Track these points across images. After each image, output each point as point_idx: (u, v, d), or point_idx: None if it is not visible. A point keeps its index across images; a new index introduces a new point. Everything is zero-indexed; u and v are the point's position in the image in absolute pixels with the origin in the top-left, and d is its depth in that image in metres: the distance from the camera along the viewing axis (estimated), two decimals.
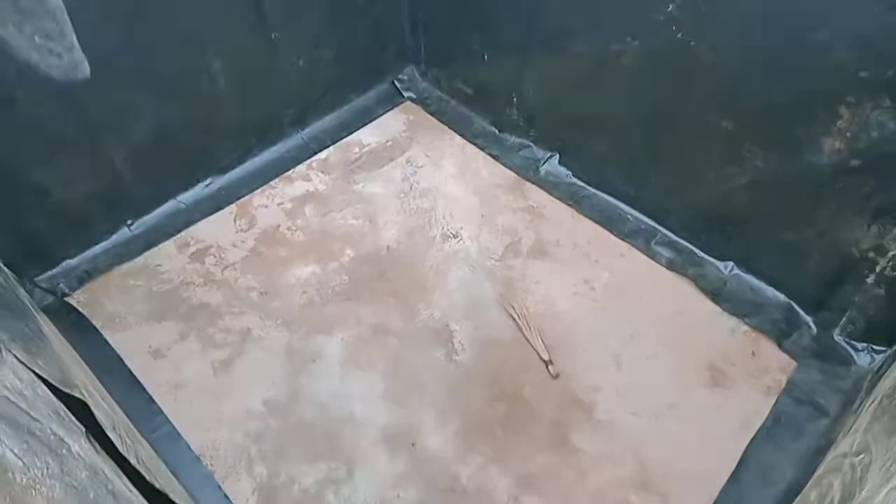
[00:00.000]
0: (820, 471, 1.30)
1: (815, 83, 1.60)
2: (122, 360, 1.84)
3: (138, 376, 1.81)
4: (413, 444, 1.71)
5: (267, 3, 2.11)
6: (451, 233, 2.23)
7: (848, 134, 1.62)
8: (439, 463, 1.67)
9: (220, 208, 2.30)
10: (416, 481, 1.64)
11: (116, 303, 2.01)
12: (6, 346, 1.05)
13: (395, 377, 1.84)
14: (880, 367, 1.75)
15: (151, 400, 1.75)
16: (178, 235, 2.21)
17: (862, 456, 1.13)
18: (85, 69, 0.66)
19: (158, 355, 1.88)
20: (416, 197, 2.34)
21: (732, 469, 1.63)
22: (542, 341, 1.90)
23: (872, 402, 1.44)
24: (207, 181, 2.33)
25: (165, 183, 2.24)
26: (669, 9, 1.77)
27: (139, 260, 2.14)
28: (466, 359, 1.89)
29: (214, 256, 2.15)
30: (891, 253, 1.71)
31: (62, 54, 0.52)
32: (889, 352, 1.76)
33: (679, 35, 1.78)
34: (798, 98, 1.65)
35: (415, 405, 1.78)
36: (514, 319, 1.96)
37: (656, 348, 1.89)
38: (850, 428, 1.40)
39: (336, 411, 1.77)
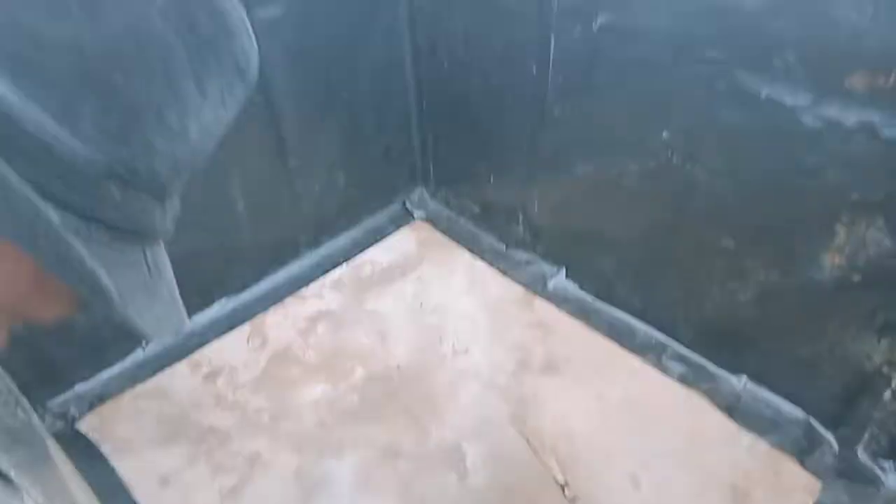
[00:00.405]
0: None
1: (809, 203, 1.67)
2: (127, 488, 1.81)
3: None
4: None
5: (287, 134, 2.26)
6: (461, 349, 2.24)
7: (846, 251, 1.67)
8: None
9: (233, 328, 2.33)
10: None
11: (126, 427, 2.00)
12: (18, 477, 1.05)
13: (406, 500, 1.79)
14: None
15: None
16: (192, 356, 2.23)
17: None
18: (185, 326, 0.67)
19: (165, 483, 1.85)
20: (427, 313, 2.38)
21: None
22: (557, 461, 1.86)
23: None
24: (223, 301, 2.39)
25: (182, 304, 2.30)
26: (664, 135, 1.88)
27: (151, 382, 2.15)
28: (479, 481, 1.84)
29: (226, 377, 2.16)
30: None
31: (174, 329, 0.56)
32: None
33: (674, 159, 1.89)
34: (794, 217, 1.72)
35: None
36: (528, 441, 1.93)
37: (674, 468, 1.84)
38: None
39: None
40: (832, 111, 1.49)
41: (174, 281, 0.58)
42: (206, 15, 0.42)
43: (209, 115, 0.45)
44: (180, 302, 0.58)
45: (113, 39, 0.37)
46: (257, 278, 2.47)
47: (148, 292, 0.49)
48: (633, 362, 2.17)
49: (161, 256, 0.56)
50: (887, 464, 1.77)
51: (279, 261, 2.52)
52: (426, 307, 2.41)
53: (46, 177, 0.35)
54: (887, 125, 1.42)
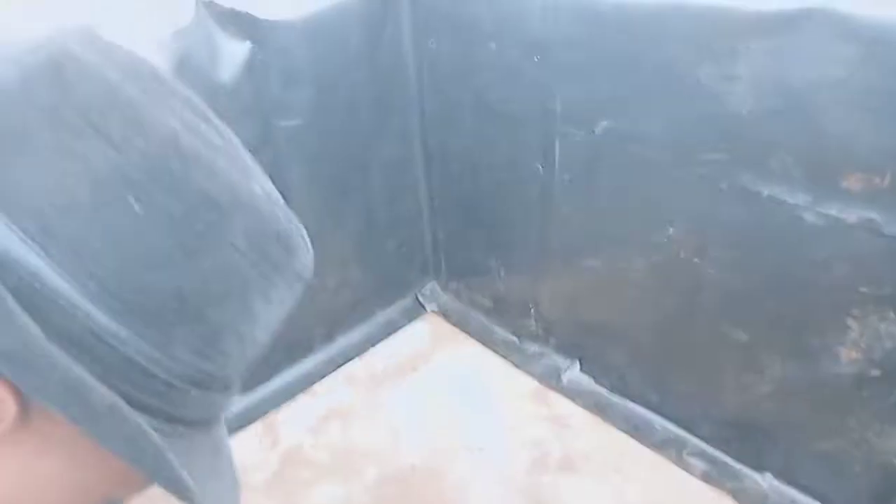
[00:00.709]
0: None
1: (819, 297, 1.68)
2: None
3: None
4: None
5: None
6: (475, 446, 2.20)
7: (862, 344, 1.66)
8: None
9: (244, 427, 2.31)
10: None
11: None
12: None
13: None
14: None
15: None
16: None
17: None
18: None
19: None
20: (440, 409, 2.36)
21: None
22: None
23: None
24: (234, 400, 2.38)
25: None
26: (670, 231, 1.93)
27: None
28: None
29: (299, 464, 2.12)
30: None
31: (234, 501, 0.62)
32: None
33: (681, 254, 1.92)
34: (805, 311, 1.73)
35: None
36: None
37: None
38: None
39: None
40: (832, 210, 1.53)
41: (232, 455, 0.65)
42: (275, 243, 0.50)
43: (274, 318, 0.55)
44: (238, 473, 0.65)
45: (203, 280, 0.44)
46: (270, 376, 2.47)
47: (214, 472, 0.56)
48: (653, 458, 2.12)
49: (223, 434, 0.64)
50: None
51: (292, 357, 2.53)
52: (439, 402, 2.39)
53: (142, 391, 0.42)
54: (887, 223, 1.46)
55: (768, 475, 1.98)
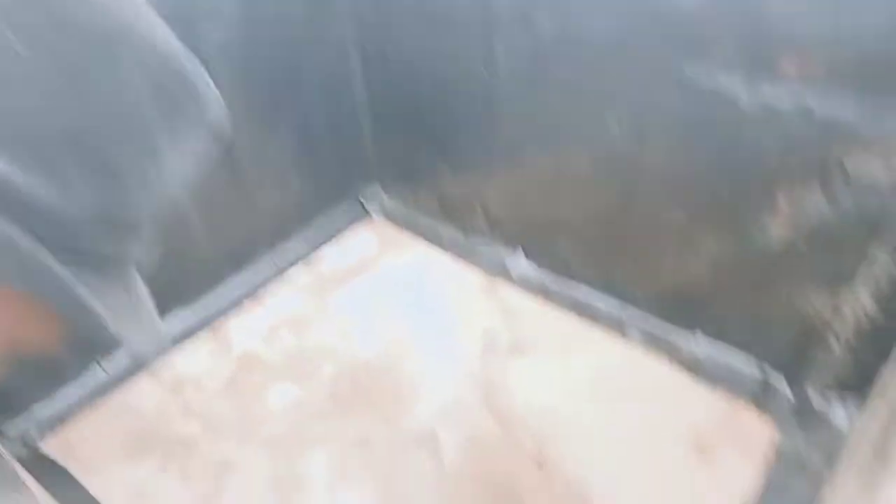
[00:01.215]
0: None
1: (752, 177, 1.76)
2: (97, 502, 1.76)
3: None
4: None
5: (238, 144, 2.26)
6: (427, 338, 2.26)
7: (790, 219, 1.77)
8: None
9: (194, 335, 2.29)
10: None
11: (92, 445, 1.94)
12: None
13: (386, 491, 1.80)
14: (855, 421, 1.80)
15: None
16: (154, 369, 2.18)
17: None
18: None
19: (139, 496, 1.81)
20: (390, 307, 2.39)
21: None
22: (530, 438, 1.90)
23: (849, 456, 1.48)
24: (178, 310, 2.35)
25: None
26: (612, 125, 1.95)
27: (113, 398, 2.09)
28: (455, 464, 1.87)
29: (191, 387, 2.12)
30: (848, 316, 1.81)
31: (157, 343, 0.61)
32: (863, 405, 1.82)
33: (623, 146, 1.96)
34: (739, 191, 1.81)
35: None
36: (500, 420, 1.96)
37: (642, 430, 1.91)
38: (835, 482, 1.43)
39: None
40: (768, 96, 1.58)
41: (152, 304, 0.65)
42: (175, 83, 0.49)
43: (184, 166, 0.53)
44: (159, 321, 0.65)
45: (98, 117, 0.43)
46: (214, 285, 2.43)
47: (128, 308, 0.56)
48: (597, 336, 2.24)
49: (137, 281, 0.62)
50: (836, 402, 1.89)
51: (236, 266, 2.49)
52: (389, 301, 2.42)
53: (42, 229, 0.42)
54: (819, 107, 1.52)
55: (701, 336, 2.13)
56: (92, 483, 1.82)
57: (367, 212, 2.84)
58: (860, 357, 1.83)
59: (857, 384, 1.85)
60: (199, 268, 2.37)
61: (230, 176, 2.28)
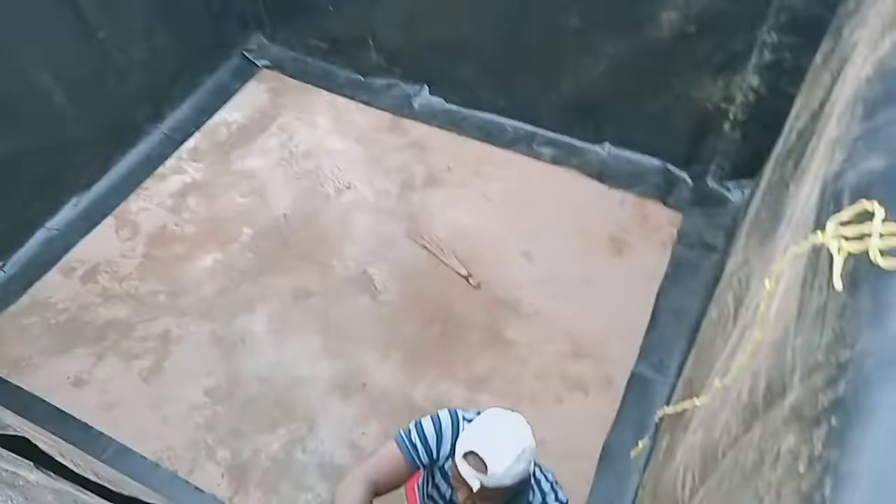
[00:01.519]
0: (717, 291, 1.47)
1: None
2: (42, 399, 1.74)
3: (66, 409, 1.72)
4: (364, 385, 1.76)
5: (85, 5, 1.99)
6: (343, 185, 2.23)
7: (679, 4, 1.77)
8: (392, 393, 1.74)
9: (96, 224, 2.17)
10: (376, 415, 1.70)
11: (16, 346, 1.88)
12: None
13: (328, 331, 1.87)
14: (750, 198, 1.97)
15: (87, 426, 1.68)
16: (60, 262, 2.07)
17: (744, 269, 1.28)
18: None
19: (80, 383, 1.80)
20: (299, 160, 2.32)
21: (648, 319, 1.81)
22: (457, 259, 1.98)
23: (746, 225, 1.64)
24: (74, 201, 2.19)
25: (27, 213, 2.09)
26: None
27: (25, 298, 2.00)
28: (391, 296, 1.94)
29: (106, 273, 2.04)
30: (738, 99, 1.90)
31: None
32: (755, 183, 1.99)
33: None
34: None
35: (354, 350, 1.82)
36: (426, 248, 2.03)
37: (560, 237, 2.03)
38: (733, 251, 1.58)
39: (280, 379, 1.78)
40: None
41: None
42: None
43: None
44: None
45: None
46: (105, 168, 2.26)
47: None
48: (507, 157, 2.27)
49: None
50: (731, 184, 2.05)
51: (123, 144, 2.30)
52: (296, 154, 2.34)
53: None
54: None
55: (606, 144, 2.21)
56: (26, 382, 1.79)
57: (254, 65, 2.64)
58: (752, 140, 1.96)
59: (750, 167, 2.00)
60: (84, 153, 2.18)
61: (84, 40, 2.03)
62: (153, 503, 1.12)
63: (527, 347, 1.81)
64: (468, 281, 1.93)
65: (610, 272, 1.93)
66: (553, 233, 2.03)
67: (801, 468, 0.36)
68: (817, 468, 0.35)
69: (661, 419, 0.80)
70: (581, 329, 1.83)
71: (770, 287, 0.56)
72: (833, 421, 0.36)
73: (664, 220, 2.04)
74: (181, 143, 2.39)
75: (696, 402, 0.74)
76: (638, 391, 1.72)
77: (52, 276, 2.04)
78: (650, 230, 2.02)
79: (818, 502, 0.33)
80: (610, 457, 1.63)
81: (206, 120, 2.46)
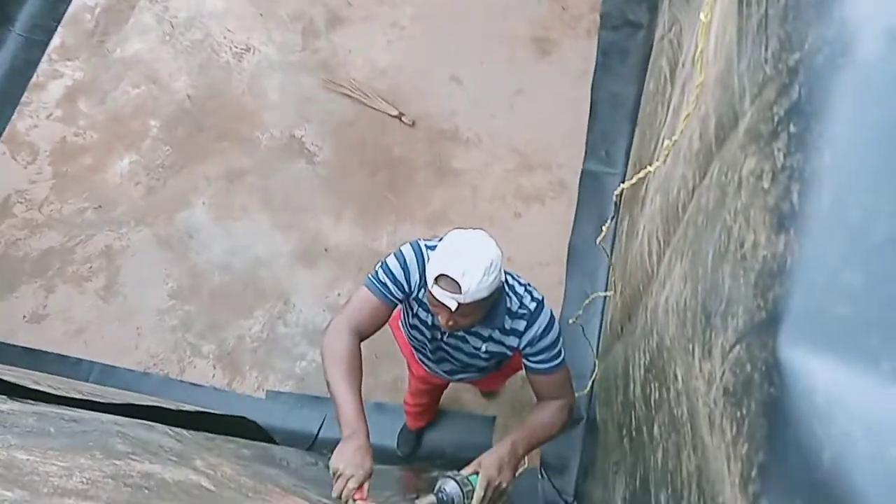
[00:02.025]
0: (650, 61, 1.44)
1: None
2: (6, 343, 1.69)
3: (32, 346, 1.68)
4: (326, 250, 1.75)
5: None
6: (240, 49, 2.04)
7: None
8: (356, 250, 1.73)
9: None
10: (346, 275, 1.71)
11: None
12: None
13: (274, 207, 1.81)
14: None
15: (62, 356, 1.66)
16: None
17: (674, 28, 1.24)
18: None
19: (39, 318, 1.74)
20: (184, 32, 2.09)
21: (588, 111, 1.79)
22: (384, 100, 1.89)
23: None
24: None
25: None
26: None
27: None
28: (327, 154, 1.87)
29: (21, 203, 1.90)
30: None
31: None
32: None
33: None
34: None
35: (306, 219, 1.79)
36: (349, 95, 1.91)
37: (482, 50, 1.93)
38: (660, 17, 1.53)
39: (241, 264, 1.75)
40: None
41: None
42: None
43: None
44: None
45: None
46: None
47: None
48: None
49: None
50: None
51: None
52: (178, 26, 2.10)
53: None
54: None
55: None
56: None
57: None
58: None
59: None
60: None
61: None
62: (147, 404, 1.12)
63: (476, 173, 1.80)
64: (401, 120, 1.86)
65: (541, 76, 1.88)
66: (475, 49, 1.93)
67: (766, 184, 0.36)
68: (781, 179, 0.34)
69: (620, 196, 0.81)
70: (525, 141, 1.81)
71: (705, 18, 0.53)
72: (791, 127, 0.35)
73: (585, 8, 1.95)
74: (45, 43, 2.11)
75: (650, 168, 0.74)
76: (591, 187, 1.76)
77: None
78: (572, 21, 1.93)
79: (787, 211, 0.33)
80: (576, 255, 1.69)
81: (64, 9, 2.16)
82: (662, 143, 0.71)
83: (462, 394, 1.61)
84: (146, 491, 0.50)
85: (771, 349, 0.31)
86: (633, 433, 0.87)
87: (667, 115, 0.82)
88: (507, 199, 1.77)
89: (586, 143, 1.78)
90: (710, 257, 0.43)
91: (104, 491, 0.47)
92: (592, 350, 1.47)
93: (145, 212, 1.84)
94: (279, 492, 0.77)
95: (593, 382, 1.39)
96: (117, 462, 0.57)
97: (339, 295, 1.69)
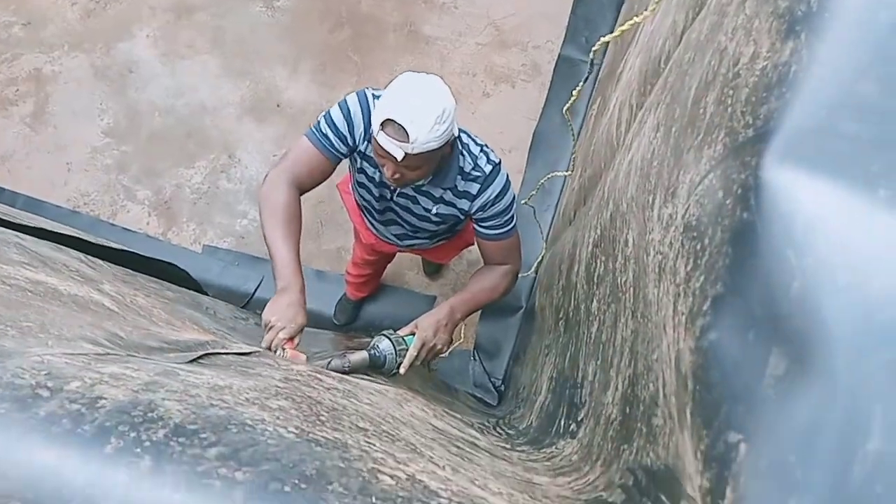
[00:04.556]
0: None
1: None
2: None
3: None
4: (278, 105, 1.63)
5: None
6: None
7: None
8: (310, 108, 1.62)
9: None
10: (297, 133, 1.59)
11: None
12: None
13: (225, 49, 1.66)
14: None
15: None
16: None
17: None
18: None
19: None
20: None
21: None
22: None
23: None
24: None
25: None
26: None
27: None
28: (287, 0, 1.70)
29: None
30: None
31: None
32: None
33: None
34: None
35: (259, 68, 1.65)
36: None
37: None
38: None
39: (184, 108, 1.62)
40: None
41: None
42: None
43: None
44: None
45: None
46: None
47: None
48: None
49: None
50: None
51: None
52: None
53: None
54: None
55: None
56: None
57: None
58: None
59: None
60: None
61: None
62: (65, 233, 1.03)
63: (448, 42, 1.67)
64: None
65: None
66: None
67: None
68: None
69: (597, 53, 0.74)
70: (503, 15, 1.69)
71: None
72: None
73: None
74: None
75: (637, 18, 0.67)
76: (565, 74, 1.66)
77: None
78: None
79: (802, 13, 0.27)
80: (541, 143, 1.63)
81: None
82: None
83: (405, 271, 1.58)
84: (29, 293, 0.45)
85: (753, 168, 0.26)
86: (570, 314, 0.85)
87: None
88: (478, 76, 1.67)
89: (567, 26, 1.67)
90: (693, 91, 0.37)
91: None
92: (542, 236, 1.45)
93: (82, 37, 1.66)
94: (195, 329, 0.73)
95: (538, 269, 1.38)
96: (5, 266, 0.51)
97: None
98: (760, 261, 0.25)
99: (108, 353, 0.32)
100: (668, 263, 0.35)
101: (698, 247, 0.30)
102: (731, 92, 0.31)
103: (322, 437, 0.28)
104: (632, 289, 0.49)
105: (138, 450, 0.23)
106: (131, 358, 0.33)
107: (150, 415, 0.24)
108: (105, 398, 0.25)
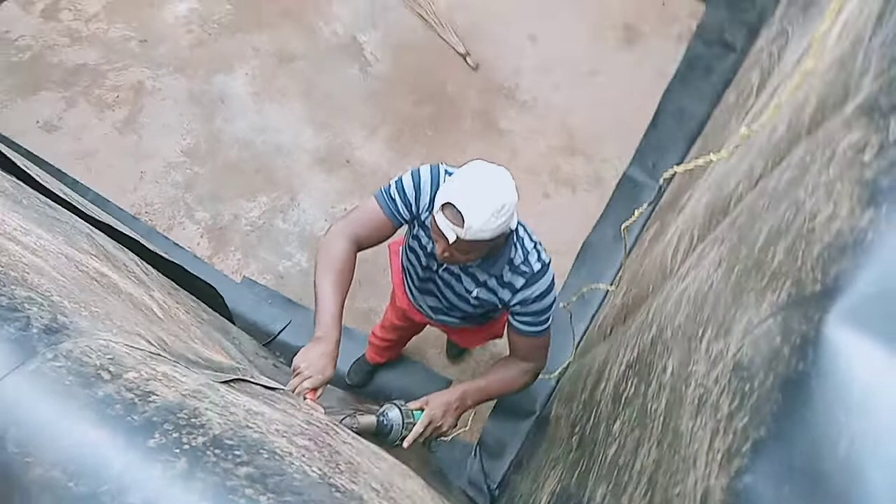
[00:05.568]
0: (738, 75, 1.37)
1: None
2: (12, 140, 1.66)
3: (37, 153, 1.65)
4: (348, 161, 1.71)
5: None
6: None
7: None
8: (377, 171, 1.69)
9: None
10: (360, 192, 1.67)
11: None
12: None
13: (313, 100, 1.76)
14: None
15: (62, 173, 1.63)
16: None
17: (778, 40, 1.16)
18: None
19: (51, 128, 1.70)
20: None
21: (651, 117, 1.73)
22: (455, 34, 1.82)
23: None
24: None
25: None
26: None
27: None
28: (382, 68, 1.81)
29: (69, 10, 1.85)
30: None
31: None
32: None
33: None
34: None
35: (340, 124, 1.74)
36: (423, 18, 1.85)
37: (570, 19, 1.86)
38: (766, 25, 1.45)
39: (262, 146, 1.71)
40: None
41: None
42: None
43: None
44: None
45: None
46: None
47: None
48: None
49: None
50: None
51: None
52: None
53: None
54: None
55: None
56: None
57: None
58: None
59: None
60: None
61: None
62: (128, 233, 1.08)
63: (520, 138, 1.74)
64: (466, 60, 1.80)
65: (617, 64, 1.81)
66: (564, 14, 1.86)
67: (867, 157, 0.32)
68: (890, 153, 0.30)
69: (668, 181, 0.76)
70: (578, 123, 1.75)
71: (836, 3, 0.48)
72: None
73: (685, 11, 1.87)
74: None
75: (713, 157, 0.69)
76: (627, 193, 1.70)
77: (9, 8, 1.84)
78: (668, 20, 1.86)
79: (886, 186, 0.29)
80: (588, 254, 1.64)
81: None
82: (741, 128, 0.66)
83: (428, 348, 1.58)
84: (96, 283, 0.47)
85: (816, 322, 0.27)
86: (588, 430, 0.83)
87: (743, 121, 0.77)
88: (542, 176, 1.72)
89: (638, 147, 1.72)
90: (763, 236, 0.38)
91: (53, 259, 0.44)
92: (573, 344, 1.44)
93: (187, 62, 1.79)
94: (224, 354, 0.74)
95: (560, 376, 1.36)
96: (77, 253, 0.54)
97: (345, 209, 1.65)
98: (810, 414, 0.25)
99: (160, 354, 0.34)
100: (709, 398, 0.35)
101: (746, 387, 0.30)
102: (803, 244, 0.32)
103: (341, 485, 0.29)
104: (662, 417, 0.48)
105: (177, 450, 0.24)
106: (177, 364, 0.34)
107: (193, 420, 0.25)
108: (157, 394, 0.26)
